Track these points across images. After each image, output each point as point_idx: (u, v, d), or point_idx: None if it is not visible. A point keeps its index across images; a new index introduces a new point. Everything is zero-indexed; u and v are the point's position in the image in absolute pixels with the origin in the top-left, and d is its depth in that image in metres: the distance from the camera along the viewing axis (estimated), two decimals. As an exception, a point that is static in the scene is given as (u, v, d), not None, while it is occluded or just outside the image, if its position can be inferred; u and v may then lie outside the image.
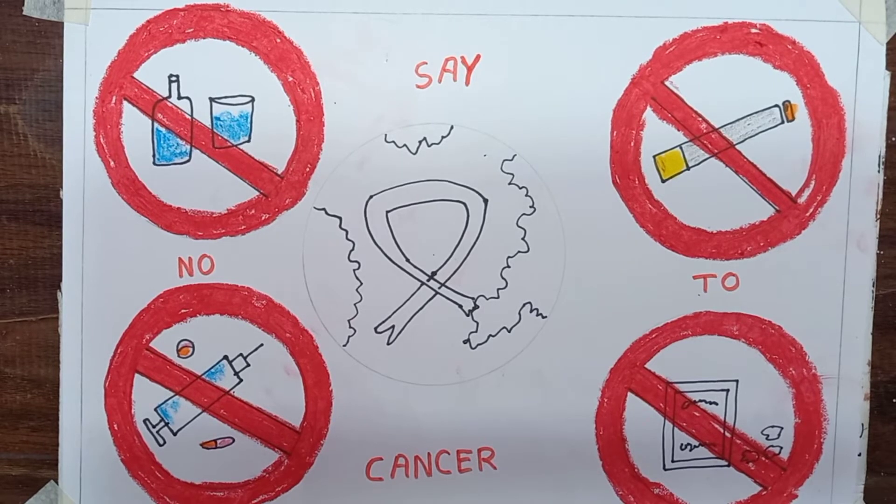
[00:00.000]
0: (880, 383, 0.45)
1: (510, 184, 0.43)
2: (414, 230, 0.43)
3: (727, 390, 0.45)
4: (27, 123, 0.43)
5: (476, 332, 0.44)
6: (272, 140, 0.43)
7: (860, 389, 0.45)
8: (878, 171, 0.44)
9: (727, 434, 0.45)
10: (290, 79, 0.42)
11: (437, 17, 0.42)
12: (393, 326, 0.44)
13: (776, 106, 0.43)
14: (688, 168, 0.44)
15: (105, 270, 0.42)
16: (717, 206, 0.44)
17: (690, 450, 0.45)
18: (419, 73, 0.43)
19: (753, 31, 0.43)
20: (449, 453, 0.45)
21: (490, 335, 0.44)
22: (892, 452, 0.46)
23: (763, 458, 0.45)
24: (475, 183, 0.43)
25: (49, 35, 0.42)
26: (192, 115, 0.42)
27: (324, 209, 0.43)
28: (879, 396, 0.45)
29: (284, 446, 0.44)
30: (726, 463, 0.45)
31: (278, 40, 0.42)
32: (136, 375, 0.43)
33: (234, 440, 0.44)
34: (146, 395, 0.43)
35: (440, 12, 0.42)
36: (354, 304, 0.43)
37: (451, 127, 0.43)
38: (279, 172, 0.43)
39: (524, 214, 0.43)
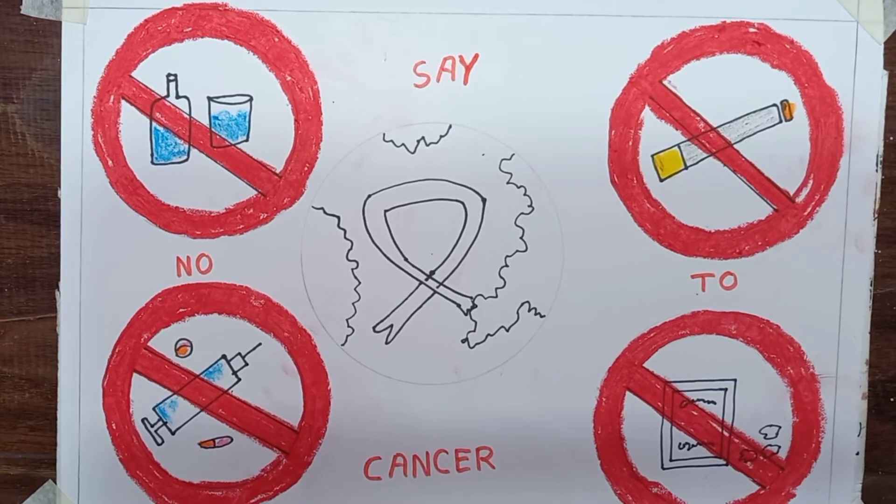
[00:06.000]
0: (878, 382, 0.45)
1: (508, 183, 0.43)
2: (412, 229, 0.43)
3: (725, 389, 0.45)
4: (25, 123, 0.43)
5: (474, 331, 0.44)
6: (270, 139, 0.43)
7: (858, 388, 0.45)
8: (876, 171, 0.44)
9: (725, 433, 0.45)
10: (289, 78, 0.42)
11: (436, 16, 0.42)
12: (391, 326, 0.44)
13: (774, 105, 0.43)
14: (686, 167, 0.44)
15: (103, 270, 0.42)
16: (715, 205, 0.44)
17: (689, 449, 0.45)
18: (417, 72, 0.43)
19: (751, 30, 0.43)
20: (447, 452, 0.44)
21: (488, 334, 0.44)
22: (890, 451, 0.46)
23: (761, 458, 0.45)
24: (473, 182, 0.43)
25: (47, 34, 0.42)
26: (190, 115, 0.42)
27: (322, 208, 0.43)
28: (877, 395, 0.45)
29: (283, 446, 0.44)
30: (724, 462, 0.45)
31: (276, 39, 0.42)
32: (135, 375, 0.43)
33: (232, 439, 0.44)
34: (144, 395, 0.43)
35: (438, 11, 0.42)
36: (353, 304, 0.43)
37: (450, 126, 0.43)
38: (277, 172, 0.43)
39: (522, 214, 0.43)
